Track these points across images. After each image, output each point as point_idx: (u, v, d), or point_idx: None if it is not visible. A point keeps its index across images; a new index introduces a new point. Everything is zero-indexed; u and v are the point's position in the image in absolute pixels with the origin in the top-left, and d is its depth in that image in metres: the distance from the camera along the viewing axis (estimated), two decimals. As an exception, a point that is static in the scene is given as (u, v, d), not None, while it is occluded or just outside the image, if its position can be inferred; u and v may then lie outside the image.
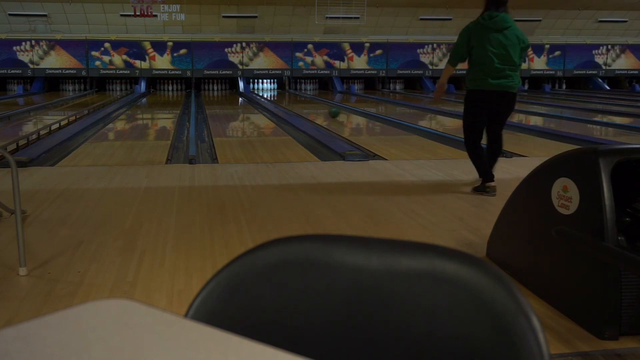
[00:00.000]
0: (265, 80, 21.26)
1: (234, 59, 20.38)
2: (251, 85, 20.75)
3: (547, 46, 21.63)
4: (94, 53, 19.70)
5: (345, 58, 21.04)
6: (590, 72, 22.16)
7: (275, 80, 21.40)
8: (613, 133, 9.62)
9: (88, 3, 18.59)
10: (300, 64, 20.79)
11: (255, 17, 19.95)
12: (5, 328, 0.52)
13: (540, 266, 2.66)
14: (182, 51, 20.02)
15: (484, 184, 4.65)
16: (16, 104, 15.23)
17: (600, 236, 2.27)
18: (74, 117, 10.81)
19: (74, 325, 0.53)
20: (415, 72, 21.49)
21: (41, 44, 19.39)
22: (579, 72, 22.04)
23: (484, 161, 4.69)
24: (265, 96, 18.63)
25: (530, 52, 20.36)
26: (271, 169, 5.71)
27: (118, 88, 20.22)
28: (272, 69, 20.75)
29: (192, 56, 20.08)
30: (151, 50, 19.94)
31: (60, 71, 19.66)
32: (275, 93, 20.34)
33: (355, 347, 0.69)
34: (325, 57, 20.92)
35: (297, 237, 0.74)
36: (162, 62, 20.07)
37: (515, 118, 10.16)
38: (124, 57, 19.85)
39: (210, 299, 0.72)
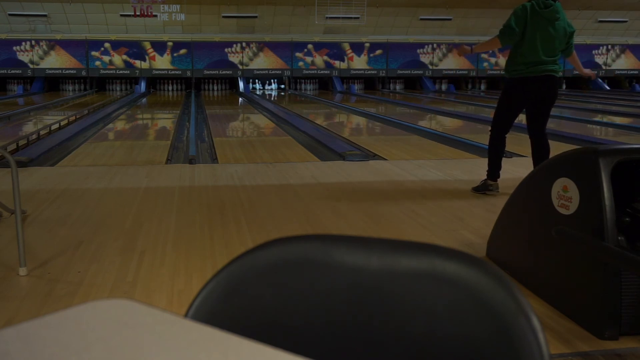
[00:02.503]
0: (267, 81, 21.26)
1: (234, 59, 20.39)
2: (250, 85, 20.74)
3: (547, 46, 21.63)
4: (94, 53, 19.71)
5: (345, 58, 21.04)
6: (590, 72, 22.12)
7: (275, 80, 21.42)
8: (613, 133, 9.62)
9: (88, 3, 18.59)
10: (300, 64, 20.79)
11: (255, 17, 19.95)
12: (5, 328, 0.52)
13: (540, 266, 2.66)
14: (182, 51, 20.03)
15: (487, 183, 4.63)
16: (16, 104, 15.23)
17: (600, 236, 2.27)
18: (74, 117, 10.81)
19: (74, 325, 0.53)
20: (415, 72, 21.49)
21: (41, 44, 19.40)
22: (579, 72, 22.02)
23: (500, 159, 4.59)
24: (270, 95, 18.68)
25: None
26: (271, 169, 5.71)
27: (118, 88, 20.22)
28: (272, 69, 20.76)
29: (192, 56, 20.09)
30: (151, 50, 19.95)
31: (60, 71, 19.67)
32: (275, 93, 20.34)
33: (355, 347, 0.69)
34: (325, 57, 20.93)
35: (297, 237, 0.74)
36: (162, 62, 20.08)
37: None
38: (124, 57, 19.86)
39: (210, 299, 0.72)
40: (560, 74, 4.50)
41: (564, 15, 4.40)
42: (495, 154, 4.61)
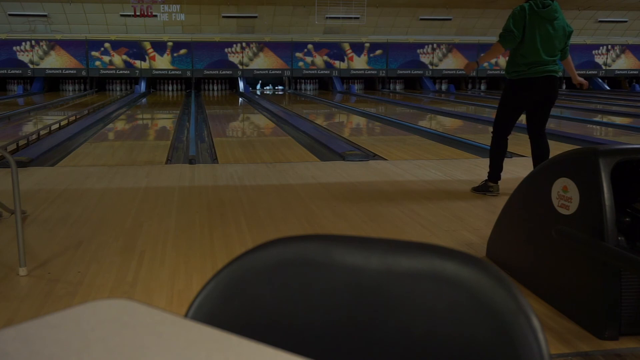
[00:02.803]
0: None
1: (234, 59, 20.39)
2: (250, 88, 20.69)
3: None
4: (94, 53, 19.71)
5: (345, 58, 21.04)
6: (590, 72, 22.16)
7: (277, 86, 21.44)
8: (613, 133, 9.62)
9: (88, 3, 18.59)
10: (300, 64, 20.80)
11: (255, 17, 19.96)
12: (5, 328, 0.52)
13: (540, 266, 2.66)
14: (182, 51, 20.03)
15: (487, 184, 4.62)
16: (16, 104, 15.23)
17: (600, 236, 2.27)
18: (74, 117, 10.81)
19: (74, 325, 0.53)
20: (415, 72, 21.50)
21: (41, 44, 19.40)
22: (579, 72, 21.68)
23: (501, 161, 4.57)
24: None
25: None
26: (271, 169, 5.71)
27: (118, 88, 20.23)
28: (272, 69, 20.76)
29: (192, 56, 20.09)
30: (151, 50, 19.95)
31: (60, 71, 19.67)
32: (270, 92, 20.34)
33: (355, 347, 0.69)
34: (325, 57, 20.93)
35: (297, 237, 0.74)
36: (162, 62, 20.08)
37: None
38: (124, 57, 19.86)
39: (210, 299, 0.72)
40: (560, 73, 4.51)
41: (562, 15, 4.41)
42: (496, 155, 4.59)
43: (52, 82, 19.81)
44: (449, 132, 9.24)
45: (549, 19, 4.31)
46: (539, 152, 4.45)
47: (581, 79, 4.85)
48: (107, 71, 19.88)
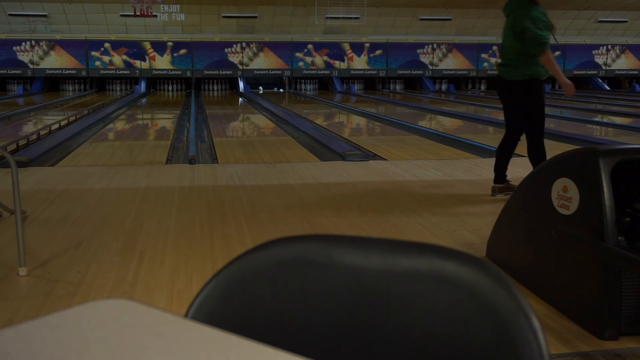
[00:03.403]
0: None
1: (234, 59, 20.39)
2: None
3: (547, 46, 21.62)
4: (94, 53, 19.71)
5: (345, 58, 21.04)
6: (590, 72, 22.16)
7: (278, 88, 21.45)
8: (613, 133, 9.62)
9: (88, 3, 18.59)
10: (300, 64, 20.79)
11: (255, 17, 19.95)
12: (5, 328, 0.52)
13: (540, 266, 2.66)
14: (182, 51, 20.03)
15: (509, 185, 4.57)
16: (16, 104, 15.23)
17: (600, 236, 2.27)
18: (74, 117, 10.81)
19: (74, 325, 0.53)
20: (415, 72, 21.49)
21: (41, 44, 19.40)
22: (579, 72, 22.02)
23: (499, 162, 4.52)
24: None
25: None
26: (271, 169, 5.71)
27: (118, 88, 20.24)
28: (272, 69, 20.76)
29: (192, 56, 20.09)
30: (151, 50, 19.95)
31: (60, 71, 19.67)
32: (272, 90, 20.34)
33: (355, 348, 0.69)
34: (325, 57, 20.93)
35: (297, 237, 0.74)
36: (162, 62, 20.08)
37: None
38: (124, 57, 19.86)
39: (210, 299, 0.72)
40: (516, 77, 4.21)
41: (520, 12, 4.08)
42: (497, 155, 4.57)
43: (52, 82, 19.81)
44: (449, 132, 9.24)
45: (507, 18, 4.30)
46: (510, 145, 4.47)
47: (566, 81, 4.36)
48: (107, 71, 19.88)
